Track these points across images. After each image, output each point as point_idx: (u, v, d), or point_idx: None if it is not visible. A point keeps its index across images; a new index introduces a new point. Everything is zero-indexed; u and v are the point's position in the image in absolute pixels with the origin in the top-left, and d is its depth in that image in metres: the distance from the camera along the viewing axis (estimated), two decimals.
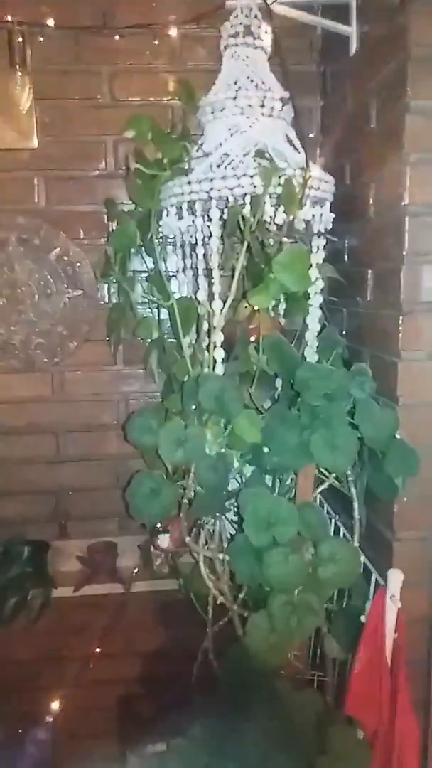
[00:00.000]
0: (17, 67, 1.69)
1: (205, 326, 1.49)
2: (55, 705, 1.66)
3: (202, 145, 1.49)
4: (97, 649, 1.72)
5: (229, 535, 1.45)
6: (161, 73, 1.79)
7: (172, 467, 1.42)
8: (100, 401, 1.92)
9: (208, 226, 1.41)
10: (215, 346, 1.43)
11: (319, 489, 1.33)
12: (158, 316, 1.63)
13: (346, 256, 1.65)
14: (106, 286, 1.85)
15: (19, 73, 1.70)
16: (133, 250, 1.62)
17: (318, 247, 1.45)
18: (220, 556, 1.37)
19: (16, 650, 1.87)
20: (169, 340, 1.62)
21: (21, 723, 1.82)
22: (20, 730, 1.76)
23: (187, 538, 1.34)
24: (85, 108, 1.79)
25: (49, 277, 1.82)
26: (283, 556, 1.14)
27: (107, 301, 1.87)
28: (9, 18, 1.66)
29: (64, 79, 1.76)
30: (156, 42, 1.76)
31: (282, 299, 1.57)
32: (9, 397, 1.89)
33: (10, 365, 1.86)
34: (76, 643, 1.84)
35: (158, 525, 1.53)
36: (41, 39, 1.71)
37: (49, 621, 1.77)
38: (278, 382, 1.57)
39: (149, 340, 1.70)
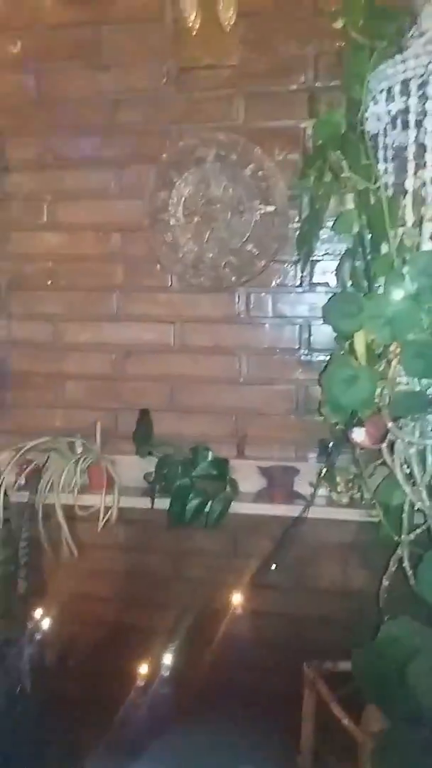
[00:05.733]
0: None
1: (410, 221, 1.41)
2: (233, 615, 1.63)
3: (417, 28, 1.41)
4: (273, 567, 1.66)
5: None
6: None
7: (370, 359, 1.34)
8: (283, 324, 1.90)
9: (423, 104, 1.32)
10: (425, 238, 1.33)
11: None
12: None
13: None
14: (297, 201, 1.82)
15: None
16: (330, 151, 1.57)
17: None
18: (429, 441, 1.25)
19: (190, 563, 1.91)
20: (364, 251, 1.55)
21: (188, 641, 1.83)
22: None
23: (390, 423, 1.25)
24: (288, 21, 1.78)
25: (242, 193, 1.83)
26: None
27: (298, 219, 1.83)
28: None
29: None
30: None
31: None
32: (197, 316, 1.93)
33: (200, 284, 1.90)
34: (254, 558, 1.80)
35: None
36: None
37: (226, 530, 1.77)
38: None
39: (342, 253, 1.66)
